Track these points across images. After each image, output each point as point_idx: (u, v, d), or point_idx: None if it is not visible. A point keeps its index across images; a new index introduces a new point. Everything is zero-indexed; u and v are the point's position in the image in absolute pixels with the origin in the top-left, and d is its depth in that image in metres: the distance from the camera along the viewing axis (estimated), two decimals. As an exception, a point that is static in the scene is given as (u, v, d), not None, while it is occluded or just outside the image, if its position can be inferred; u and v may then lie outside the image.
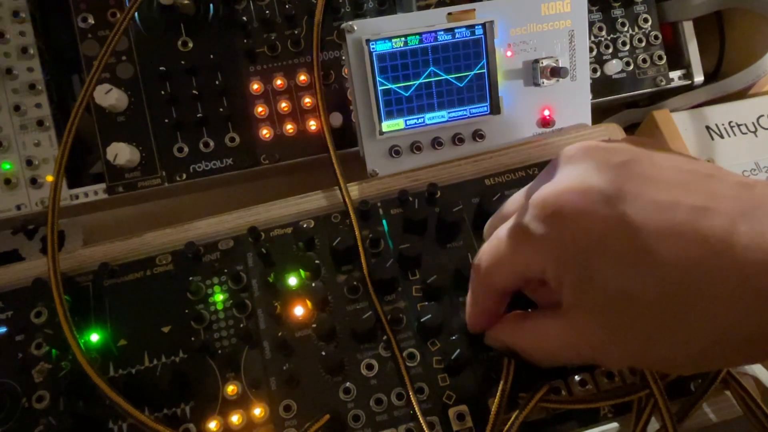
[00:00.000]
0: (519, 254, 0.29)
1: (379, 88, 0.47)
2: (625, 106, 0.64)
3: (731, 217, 0.23)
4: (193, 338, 0.40)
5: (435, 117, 0.49)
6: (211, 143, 0.51)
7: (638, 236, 0.24)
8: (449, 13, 0.47)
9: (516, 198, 0.34)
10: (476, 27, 0.47)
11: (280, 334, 0.40)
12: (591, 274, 0.25)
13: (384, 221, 0.44)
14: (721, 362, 0.30)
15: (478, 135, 0.50)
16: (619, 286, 0.25)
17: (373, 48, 0.46)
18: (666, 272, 0.23)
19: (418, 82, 0.48)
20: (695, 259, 0.23)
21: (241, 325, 0.41)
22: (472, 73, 0.48)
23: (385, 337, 0.40)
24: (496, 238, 0.31)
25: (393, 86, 0.47)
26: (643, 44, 0.58)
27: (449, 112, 0.49)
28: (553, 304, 0.29)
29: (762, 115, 0.56)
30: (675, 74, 0.60)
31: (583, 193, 0.25)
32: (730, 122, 0.56)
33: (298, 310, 0.41)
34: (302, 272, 0.42)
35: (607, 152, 0.26)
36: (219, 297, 0.42)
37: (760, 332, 0.23)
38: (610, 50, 0.58)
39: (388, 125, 0.48)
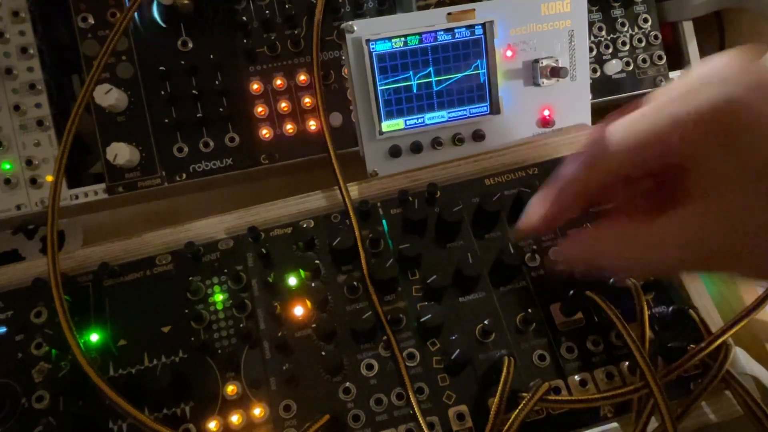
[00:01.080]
0: (674, 126, 0.26)
1: (379, 88, 0.47)
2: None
3: None
4: (193, 338, 0.40)
5: (435, 117, 0.49)
6: (211, 143, 0.51)
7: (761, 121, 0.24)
8: (449, 13, 0.47)
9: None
10: (476, 27, 0.47)
11: (280, 334, 0.40)
12: (739, 146, 0.24)
13: (384, 221, 0.44)
14: None
15: (478, 135, 0.50)
16: (755, 157, 0.24)
17: (373, 48, 0.46)
18: None
19: (418, 82, 0.48)
20: None
21: (241, 325, 0.41)
22: (472, 73, 0.48)
23: (385, 337, 0.40)
24: (638, 114, 0.28)
25: (393, 86, 0.47)
26: (643, 44, 0.58)
27: (449, 112, 0.49)
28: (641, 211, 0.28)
29: (762, 115, 0.56)
30: (675, 74, 0.60)
31: (763, 66, 0.25)
32: (730, 122, 0.56)
33: (298, 310, 0.41)
34: (302, 272, 0.42)
35: (748, 60, 0.26)
36: (219, 297, 0.42)
37: None
38: (610, 50, 0.58)
39: (388, 125, 0.48)
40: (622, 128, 0.28)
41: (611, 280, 0.40)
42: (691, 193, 0.26)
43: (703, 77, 0.26)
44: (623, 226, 0.29)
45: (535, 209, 0.32)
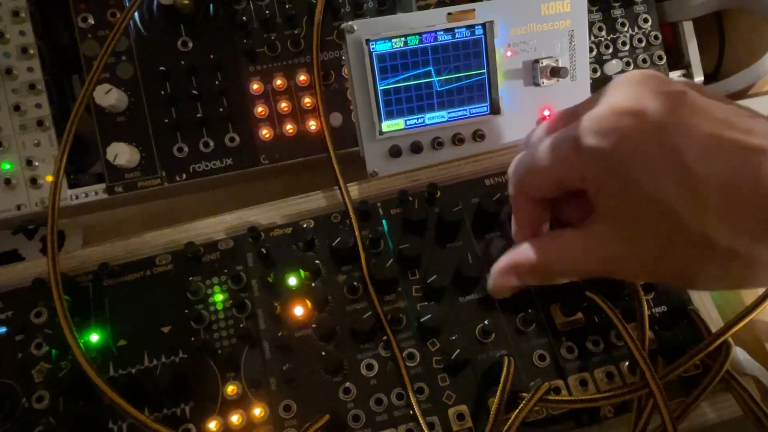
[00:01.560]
0: (564, 162, 0.30)
1: (379, 88, 0.47)
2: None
3: (765, 150, 0.26)
4: (193, 338, 0.40)
5: (435, 117, 0.49)
6: (211, 143, 0.51)
7: (683, 155, 0.27)
8: (449, 13, 0.47)
9: (563, 115, 0.35)
10: (476, 27, 0.47)
11: (280, 334, 0.40)
12: (631, 183, 0.28)
13: (384, 221, 0.44)
14: (723, 281, 0.31)
15: (478, 135, 0.50)
16: (655, 194, 0.27)
17: (373, 48, 0.46)
18: (702, 185, 0.26)
19: (418, 82, 0.48)
20: (730, 172, 0.26)
21: (241, 325, 0.41)
22: (472, 73, 0.48)
23: (385, 337, 0.40)
24: (540, 146, 0.32)
25: (393, 86, 0.47)
26: (643, 44, 0.58)
27: (449, 112, 0.49)
28: (580, 221, 0.32)
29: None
30: (675, 74, 0.60)
31: (638, 113, 0.28)
32: (730, 122, 0.56)
33: (298, 310, 0.41)
34: (302, 272, 0.42)
35: (663, 81, 0.29)
36: (219, 297, 0.42)
37: (755, 261, 0.27)
38: (610, 50, 0.58)
39: (388, 125, 0.48)
40: (526, 165, 0.33)
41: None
42: (595, 212, 0.31)
43: (589, 128, 0.29)
44: (558, 232, 0.33)
45: (513, 231, 0.37)
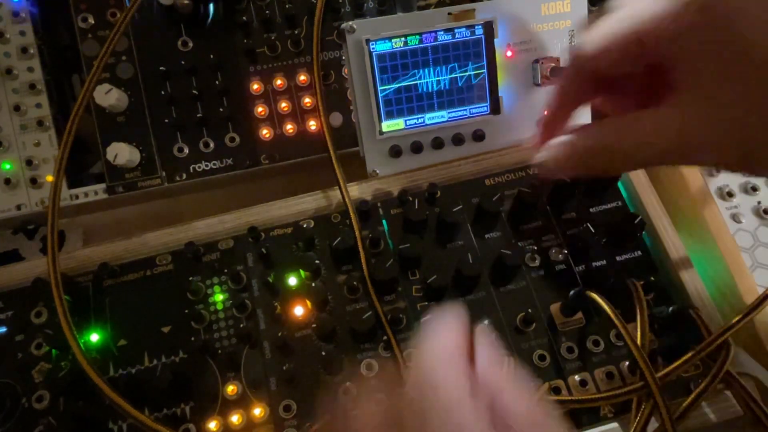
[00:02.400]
0: (659, 21, 0.27)
1: (379, 87, 0.47)
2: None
3: None
4: (193, 338, 0.40)
5: (435, 117, 0.49)
6: (211, 143, 0.51)
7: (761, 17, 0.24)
8: (449, 13, 0.47)
9: None
10: (476, 27, 0.47)
11: (280, 334, 0.40)
12: (736, 36, 0.25)
13: (384, 221, 0.44)
14: None
15: (478, 135, 0.50)
16: (750, 41, 0.25)
17: (373, 48, 0.46)
18: None
19: (418, 82, 0.48)
20: None
21: (241, 325, 0.41)
22: (473, 73, 0.48)
23: (385, 337, 0.40)
24: (623, 14, 0.29)
25: (393, 86, 0.47)
26: (643, 44, 0.58)
27: (449, 112, 0.49)
28: (629, 109, 0.29)
29: (762, 115, 0.56)
30: (675, 74, 0.59)
31: None
32: (730, 122, 0.56)
33: (298, 310, 0.41)
34: (302, 272, 0.42)
35: None
36: (219, 297, 0.42)
37: None
38: (610, 50, 0.57)
39: (388, 125, 0.48)
40: (598, 33, 0.30)
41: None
42: (678, 87, 0.27)
43: None
44: (616, 118, 0.30)
45: (550, 103, 0.34)
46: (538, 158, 0.33)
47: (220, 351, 0.40)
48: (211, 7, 0.52)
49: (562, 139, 0.32)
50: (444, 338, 0.27)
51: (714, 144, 0.27)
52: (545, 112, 0.34)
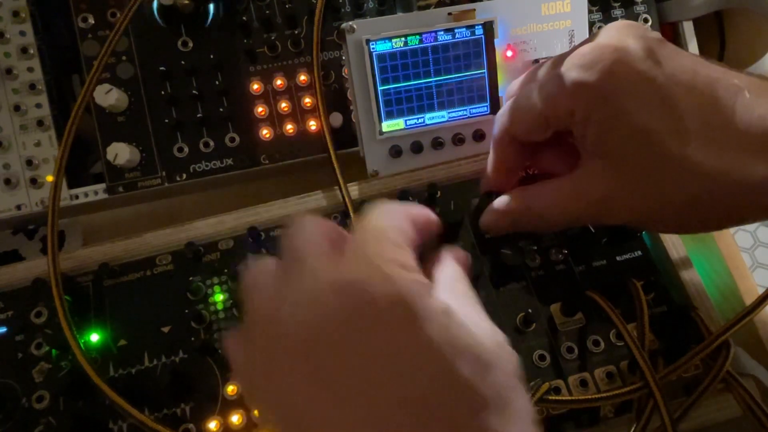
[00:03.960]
0: (551, 97, 0.31)
1: (379, 88, 0.47)
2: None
3: (740, 87, 0.29)
4: (193, 338, 0.40)
5: (435, 117, 0.49)
6: (211, 143, 0.51)
7: (664, 86, 0.29)
8: (449, 13, 0.47)
9: (538, 65, 0.37)
10: (476, 27, 0.47)
11: (280, 334, 0.40)
12: (618, 113, 0.29)
13: (384, 221, 0.44)
14: (711, 219, 0.32)
15: (478, 135, 0.50)
16: (641, 122, 0.29)
17: (373, 48, 0.46)
18: (680, 113, 0.28)
19: (418, 82, 0.48)
20: (709, 103, 0.28)
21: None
22: (472, 73, 0.48)
23: (385, 337, 0.40)
24: (526, 87, 0.34)
25: (393, 86, 0.47)
26: (643, 44, 0.58)
27: (449, 112, 0.49)
28: (563, 171, 0.33)
29: (762, 115, 0.56)
30: (675, 74, 0.59)
31: (622, 49, 0.29)
32: (730, 122, 0.56)
33: (298, 310, 0.41)
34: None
35: (645, 29, 0.31)
36: (219, 297, 0.42)
37: (736, 186, 0.28)
38: (610, 50, 0.58)
39: (388, 125, 0.48)
40: (512, 107, 0.35)
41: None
42: (584, 156, 0.32)
43: (572, 63, 0.31)
44: (537, 186, 0.35)
45: (487, 173, 0.39)
46: (480, 222, 0.38)
47: (220, 351, 0.40)
48: (211, 7, 0.52)
49: (494, 206, 0.37)
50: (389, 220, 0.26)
51: (611, 202, 0.31)
52: (488, 178, 0.39)
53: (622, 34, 0.30)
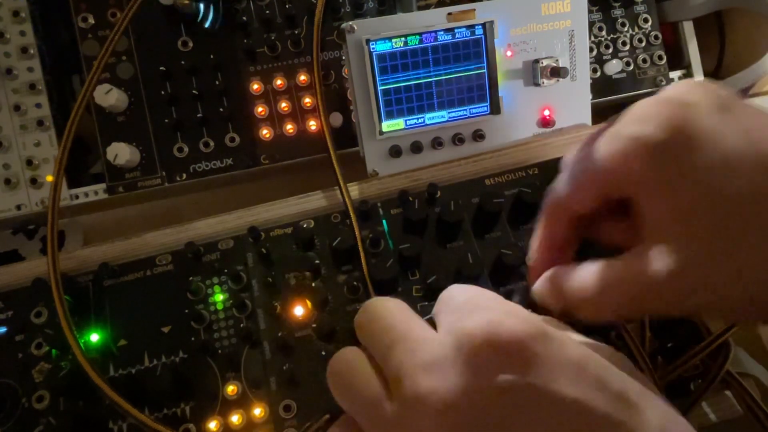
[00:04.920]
0: (606, 157, 0.27)
1: (379, 88, 0.47)
2: (625, 106, 0.63)
3: None
4: (193, 338, 0.40)
5: (435, 117, 0.49)
6: (211, 143, 0.51)
7: (734, 143, 0.24)
8: (449, 13, 0.47)
9: (590, 136, 0.31)
10: (476, 27, 0.47)
11: (280, 334, 0.40)
12: (686, 171, 0.25)
13: (384, 221, 0.44)
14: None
15: (478, 135, 0.50)
16: (711, 182, 0.24)
17: (373, 48, 0.46)
18: (755, 175, 0.24)
19: (418, 82, 0.48)
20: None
21: (241, 325, 0.41)
22: (472, 73, 0.48)
23: (385, 337, 0.40)
24: (580, 152, 0.29)
25: (393, 86, 0.47)
26: (643, 44, 0.58)
27: (449, 112, 0.49)
28: (622, 246, 0.28)
29: (762, 115, 0.56)
30: (675, 74, 0.60)
31: (689, 102, 0.25)
32: (730, 122, 0.56)
33: (298, 310, 0.41)
34: (302, 272, 0.42)
35: (716, 87, 0.27)
36: (219, 297, 0.42)
37: None
38: (610, 50, 0.58)
39: (388, 125, 0.48)
40: (566, 179, 0.30)
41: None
42: (643, 224, 0.26)
43: (629, 118, 0.27)
44: (593, 263, 0.28)
45: (536, 254, 0.33)
46: (534, 290, 0.33)
47: (220, 351, 0.40)
48: (212, 7, 0.52)
49: (548, 275, 0.31)
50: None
51: (692, 287, 0.25)
52: (534, 256, 0.33)
53: (690, 88, 0.27)
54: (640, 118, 0.26)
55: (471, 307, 0.25)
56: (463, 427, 0.22)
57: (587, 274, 0.28)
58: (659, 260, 0.25)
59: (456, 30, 0.47)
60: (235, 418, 0.38)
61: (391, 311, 0.27)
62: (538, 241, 0.32)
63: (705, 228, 0.24)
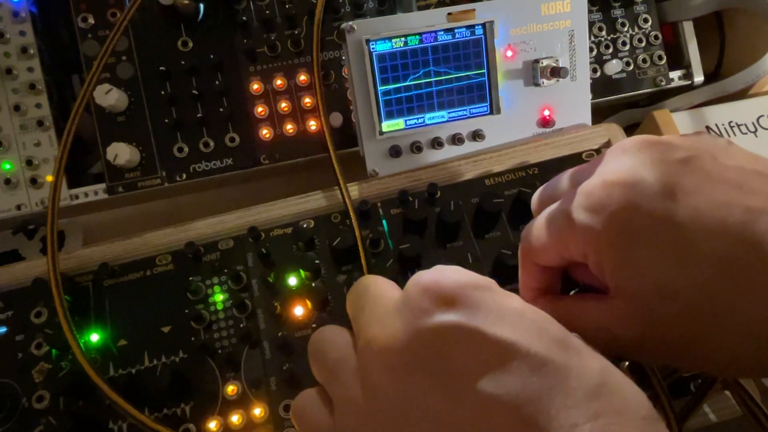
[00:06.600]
0: (561, 239, 0.28)
1: (379, 88, 0.47)
2: (625, 106, 0.64)
3: None
4: (193, 338, 0.40)
5: (435, 117, 0.49)
6: (211, 143, 0.51)
7: (683, 232, 0.23)
8: (449, 13, 0.47)
9: (563, 179, 0.32)
10: (476, 27, 0.47)
11: (280, 334, 0.40)
12: (631, 263, 0.25)
13: (384, 221, 0.44)
14: (756, 370, 0.27)
15: (478, 135, 0.50)
16: (659, 278, 0.24)
17: (373, 48, 0.46)
18: (708, 269, 0.23)
19: (418, 82, 0.48)
20: (741, 259, 0.23)
21: (241, 325, 0.41)
22: (472, 72, 0.48)
23: (385, 337, 0.40)
24: (543, 218, 0.30)
25: (393, 86, 0.47)
26: (643, 44, 0.58)
27: (449, 112, 0.49)
28: (600, 287, 0.28)
29: (762, 115, 0.56)
30: (675, 74, 0.60)
31: (633, 186, 0.25)
32: (730, 122, 0.56)
33: (298, 310, 0.41)
34: (302, 272, 0.42)
35: (667, 148, 0.26)
36: (219, 297, 0.42)
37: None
38: (610, 50, 0.58)
39: (388, 125, 0.48)
40: (531, 237, 0.31)
41: None
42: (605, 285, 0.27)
43: (581, 201, 0.27)
44: (571, 299, 0.31)
45: (520, 293, 0.34)
46: None
47: (220, 351, 0.40)
48: (212, 7, 0.52)
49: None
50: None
51: (637, 347, 0.26)
52: (520, 289, 0.34)
53: (637, 162, 0.26)
54: (589, 207, 0.26)
55: (431, 269, 0.27)
56: (401, 367, 0.23)
57: (567, 314, 0.28)
58: (620, 322, 0.26)
59: (456, 30, 0.47)
60: (235, 418, 0.38)
61: (374, 282, 0.29)
62: (520, 278, 0.33)
63: (652, 313, 0.25)
